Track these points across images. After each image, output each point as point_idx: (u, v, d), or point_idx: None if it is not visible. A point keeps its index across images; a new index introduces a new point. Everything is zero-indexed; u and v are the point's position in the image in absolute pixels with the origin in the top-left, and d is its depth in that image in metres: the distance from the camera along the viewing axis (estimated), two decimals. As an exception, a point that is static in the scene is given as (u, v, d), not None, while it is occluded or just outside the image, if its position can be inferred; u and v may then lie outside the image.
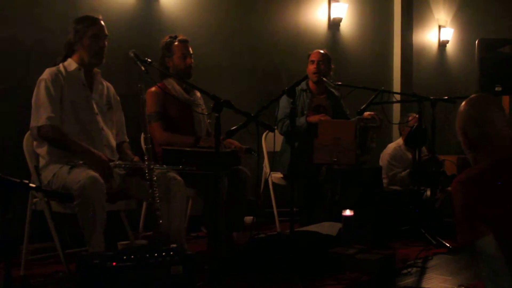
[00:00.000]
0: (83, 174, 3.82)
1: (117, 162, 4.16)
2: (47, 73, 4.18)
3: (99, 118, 4.30)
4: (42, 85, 4.11)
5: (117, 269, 3.19)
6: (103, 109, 4.37)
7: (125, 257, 3.25)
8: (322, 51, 6.05)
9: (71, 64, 4.26)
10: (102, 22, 4.30)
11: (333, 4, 7.60)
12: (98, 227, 3.80)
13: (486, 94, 2.94)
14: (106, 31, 4.31)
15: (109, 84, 4.52)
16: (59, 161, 4.08)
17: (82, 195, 3.76)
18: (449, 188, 5.86)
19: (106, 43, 4.30)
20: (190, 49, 5.05)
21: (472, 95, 2.86)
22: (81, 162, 3.98)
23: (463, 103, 2.84)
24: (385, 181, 6.40)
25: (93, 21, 4.27)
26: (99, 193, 3.82)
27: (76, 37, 4.24)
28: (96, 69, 4.39)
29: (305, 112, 5.82)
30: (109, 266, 3.18)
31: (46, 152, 4.15)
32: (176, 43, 5.01)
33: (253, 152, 4.89)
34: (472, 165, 2.75)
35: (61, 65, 4.26)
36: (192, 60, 5.04)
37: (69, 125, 4.14)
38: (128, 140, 4.60)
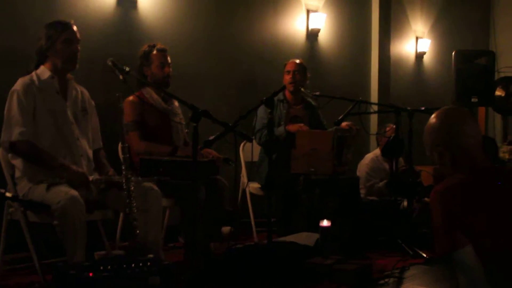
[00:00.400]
0: (62, 194, 3.78)
1: (94, 178, 4.09)
2: (19, 84, 4.11)
3: (75, 128, 4.25)
4: (15, 97, 4.05)
5: (94, 280, 3.17)
6: (79, 116, 4.32)
7: (102, 268, 3.24)
8: (297, 61, 6.08)
9: (44, 72, 4.19)
10: (75, 27, 4.24)
11: (311, 14, 7.62)
12: (79, 244, 3.77)
13: (459, 107, 2.94)
14: (79, 36, 4.25)
15: (83, 89, 4.45)
16: (34, 177, 4.04)
17: (63, 216, 3.72)
18: (427, 199, 5.89)
19: (79, 47, 4.24)
20: (169, 58, 5.05)
21: (444, 108, 2.85)
22: (57, 179, 3.92)
23: (434, 115, 2.82)
24: (362, 191, 6.41)
25: (65, 26, 4.21)
26: (80, 213, 3.78)
27: (48, 43, 4.17)
28: (69, 75, 4.33)
29: (282, 123, 5.83)
30: (86, 276, 3.16)
31: (21, 164, 4.11)
32: (154, 52, 5.01)
33: (230, 162, 4.89)
34: (447, 177, 2.75)
35: (34, 73, 4.19)
36: (171, 69, 5.04)
37: (44, 136, 4.09)
38: (102, 145, 4.54)
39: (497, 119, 10.50)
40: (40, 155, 4.02)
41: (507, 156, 8.66)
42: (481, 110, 9.91)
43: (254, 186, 5.90)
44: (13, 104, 4.04)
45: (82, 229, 3.79)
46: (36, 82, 4.14)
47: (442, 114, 2.81)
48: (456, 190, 2.64)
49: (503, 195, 2.66)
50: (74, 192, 3.82)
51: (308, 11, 7.63)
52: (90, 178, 4.02)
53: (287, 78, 6.01)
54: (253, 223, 5.90)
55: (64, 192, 3.80)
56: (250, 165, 5.84)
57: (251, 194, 5.92)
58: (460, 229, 2.52)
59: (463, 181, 2.68)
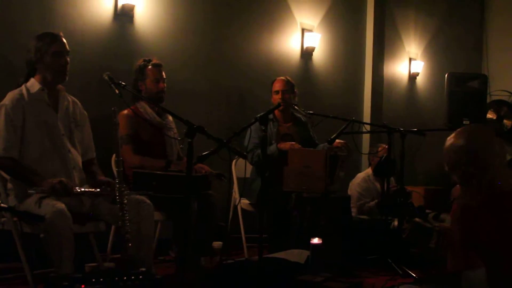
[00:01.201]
0: (48, 208, 3.77)
1: (81, 190, 4.03)
2: (8, 98, 4.10)
3: (66, 140, 4.24)
4: (2, 111, 4.04)
5: (85, 292, 3.18)
6: (70, 127, 4.30)
7: (94, 280, 3.24)
8: (284, 79, 6.09)
9: (34, 85, 4.17)
10: (63, 39, 4.23)
11: (306, 34, 7.68)
12: (65, 257, 3.74)
13: (483, 125, 2.90)
14: (68, 47, 4.24)
15: (75, 99, 4.44)
16: (22, 190, 4.02)
17: (49, 229, 3.71)
18: (417, 219, 5.92)
19: (68, 59, 4.22)
20: (163, 73, 5.07)
21: (467, 126, 2.82)
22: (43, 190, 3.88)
23: (457, 134, 2.78)
24: (353, 210, 6.44)
25: (54, 38, 4.19)
26: (66, 226, 3.76)
27: (37, 55, 4.15)
28: (60, 86, 4.31)
29: (273, 141, 5.85)
30: (78, 288, 3.17)
31: (9, 178, 4.13)
32: (149, 67, 5.03)
33: (223, 178, 4.91)
34: (464, 197, 2.72)
35: (23, 87, 4.17)
36: (165, 85, 5.06)
37: (34, 149, 4.08)
38: (95, 155, 4.52)
39: (488, 141, 10.52)
40: (21, 172, 4.01)
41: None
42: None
43: (246, 202, 5.91)
44: (0, 119, 4.04)
45: (69, 242, 3.76)
46: (26, 96, 4.12)
47: (468, 133, 2.77)
48: (478, 210, 2.63)
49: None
50: (61, 205, 3.80)
51: (303, 30, 7.68)
52: (75, 189, 3.96)
53: (276, 98, 5.99)
54: (244, 238, 5.91)
55: (51, 205, 3.79)
56: (242, 181, 5.85)
57: (243, 210, 5.94)
58: (477, 249, 2.52)
59: (484, 202, 2.67)
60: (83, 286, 3.17)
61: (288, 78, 6.15)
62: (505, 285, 2.52)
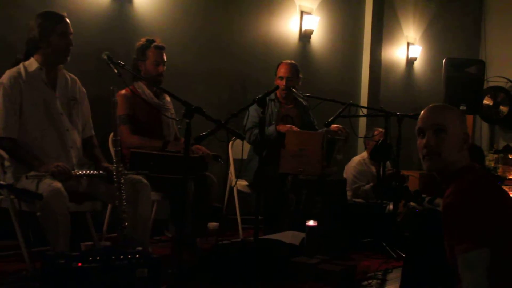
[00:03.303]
0: (45, 187, 3.78)
1: (78, 173, 4.05)
2: (6, 77, 4.08)
3: (64, 119, 4.23)
4: (1, 91, 4.04)
5: (82, 270, 3.20)
6: (69, 105, 4.30)
7: (91, 258, 3.26)
8: (289, 64, 6.02)
9: (32, 64, 4.16)
10: (68, 19, 4.21)
11: (305, 17, 7.66)
12: (61, 236, 3.77)
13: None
14: (72, 29, 4.23)
15: (73, 77, 4.42)
16: (20, 169, 4.03)
17: (45, 207, 3.73)
18: (412, 203, 5.94)
19: (72, 41, 4.21)
20: (165, 56, 5.05)
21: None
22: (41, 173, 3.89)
23: (450, 106, 2.88)
24: (348, 193, 6.46)
25: (60, 19, 4.17)
26: (62, 205, 3.78)
27: (42, 34, 4.12)
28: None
29: (273, 122, 5.84)
30: (75, 266, 3.19)
31: (7, 156, 4.13)
32: (151, 48, 4.99)
33: (220, 159, 4.92)
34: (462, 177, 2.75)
35: (21, 65, 4.15)
36: (165, 68, 5.03)
37: (32, 128, 4.09)
38: (94, 133, 4.52)
39: (484, 127, 10.59)
40: (19, 153, 4.02)
41: (493, 164, 8.75)
42: (469, 118, 9.98)
43: (242, 184, 5.92)
44: None
45: (65, 220, 3.79)
46: (23, 75, 4.11)
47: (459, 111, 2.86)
48: (480, 189, 2.66)
49: (505, 192, 2.75)
50: (57, 184, 3.81)
51: (302, 13, 7.67)
52: (73, 172, 3.98)
53: (280, 83, 5.91)
54: (239, 220, 5.93)
55: (48, 184, 3.80)
56: (239, 162, 5.86)
57: (239, 191, 5.95)
58: (484, 229, 2.54)
59: (481, 180, 2.72)
60: (79, 264, 3.19)
61: (294, 62, 6.09)
62: (503, 262, 2.54)
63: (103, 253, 3.34)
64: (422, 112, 2.88)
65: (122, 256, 3.35)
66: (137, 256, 3.42)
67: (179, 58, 6.11)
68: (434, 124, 2.79)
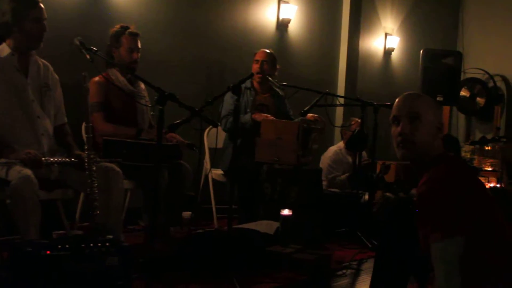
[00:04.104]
0: (15, 174, 3.72)
1: (50, 160, 3.97)
2: None
3: (36, 105, 4.15)
4: None
5: (51, 258, 3.14)
6: (41, 92, 4.21)
7: (59, 246, 3.20)
8: (267, 51, 6.06)
9: (3, 49, 4.07)
10: (42, 5, 4.12)
11: (282, 5, 7.63)
12: (31, 224, 3.69)
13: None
14: (46, 14, 4.14)
15: (46, 63, 4.33)
16: None
17: (15, 195, 3.66)
18: (388, 194, 5.94)
19: (46, 26, 4.12)
20: (139, 43, 4.98)
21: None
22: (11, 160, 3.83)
23: (427, 96, 2.89)
24: (324, 183, 6.44)
25: (34, 3, 4.08)
26: (32, 192, 3.70)
27: (15, 19, 4.02)
28: None
29: (248, 110, 5.82)
30: (43, 254, 3.13)
31: None
32: (125, 34, 4.92)
33: (194, 148, 4.87)
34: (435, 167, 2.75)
35: None
36: (139, 55, 4.97)
37: (2, 116, 3.99)
38: (66, 121, 4.45)
39: (461, 119, 10.65)
40: None
41: (468, 155, 8.78)
42: (446, 109, 10.02)
43: (216, 173, 5.89)
44: None
45: (35, 208, 3.71)
46: None
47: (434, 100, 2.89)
48: (454, 178, 2.66)
49: (480, 182, 2.76)
50: (27, 171, 3.74)
51: (279, 2, 7.64)
52: (44, 159, 3.91)
53: (255, 67, 5.98)
54: (214, 209, 5.90)
55: (17, 171, 3.73)
56: (214, 151, 5.82)
57: (214, 180, 5.92)
58: (459, 216, 2.53)
59: (454, 169, 2.73)
60: (48, 252, 3.13)
61: (272, 51, 6.12)
62: (476, 249, 2.54)
63: (72, 241, 3.28)
64: (396, 100, 2.88)
65: (92, 244, 3.30)
66: (108, 244, 3.36)
67: (154, 45, 6.04)
68: (409, 112, 2.79)
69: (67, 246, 3.22)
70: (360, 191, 5.85)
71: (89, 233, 4.03)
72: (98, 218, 3.90)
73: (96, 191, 3.90)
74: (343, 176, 6.64)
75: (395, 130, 2.83)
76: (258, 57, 6.02)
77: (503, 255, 2.61)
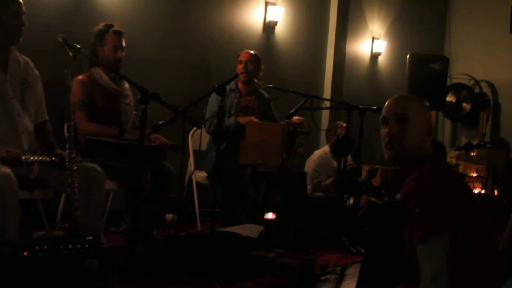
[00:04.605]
0: None
1: (27, 159, 3.87)
2: None
3: (15, 102, 4.06)
4: None
5: (28, 259, 3.08)
6: (21, 89, 4.13)
7: (37, 247, 3.14)
8: (251, 52, 6.03)
9: None
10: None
11: (269, 7, 7.59)
12: (10, 224, 3.60)
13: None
14: (24, 9, 4.06)
15: (27, 59, 4.25)
16: None
17: None
18: (373, 198, 5.91)
19: (24, 21, 4.04)
20: (124, 42, 4.93)
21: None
22: None
23: (417, 98, 2.92)
24: (309, 187, 6.40)
25: None
26: (11, 191, 3.62)
27: None
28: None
29: (232, 112, 5.78)
30: (20, 255, 3.07)
31: None
32: (110, 33, 4.87)
33: (178, 149, 4.82)
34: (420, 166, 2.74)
35: None
36: (123, 54, 4.92)
37: None
38: (47, 118, 4.37)
39: (447, 124, 10.67)
40: None
41: (454, 161, 8.78)
42: (432, 115, 10.02)
43: (200, 175, 5.84)
44: None
45: (14, 207, 3.64)
46: None
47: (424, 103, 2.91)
48: (438, 176, 2.66)
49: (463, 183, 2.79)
50: (6, 170, 3.66)
51: (266, 4, 7.60)
52: (24, 157, 3.83)
53: (239, 68, 5.96)
54: (197, 212, 5.84)
55: None
56: (198, 153, 5.77)
57: (198, 183, 5.87)
58: (445, 214, 2.51)
59: (439, 168, 2.74)
60: (25, 253, 3.07)
61: (256, 52, 6.10)
62: (463, 248, 2.54)
63: (51, 242, 3.22)
64: (386, 102, 2.87)
65: (71, 246, 3.24)
66: (87, 246, 3.31)
67: (139, 44, 5.99)
68: (397, 114, 2.80)
69: (45, 247, 3.16)
70: (344, 196, 5.81)
71: (69, 234, 3.97)
72: (79, 219, 3.83)
73: (77, 191, 3.83)
74: (327, 181, 6.61)
75: (383, 131, 2.84)
76: (242, 57, 6.00)
77: (489, 254, 2.62)
